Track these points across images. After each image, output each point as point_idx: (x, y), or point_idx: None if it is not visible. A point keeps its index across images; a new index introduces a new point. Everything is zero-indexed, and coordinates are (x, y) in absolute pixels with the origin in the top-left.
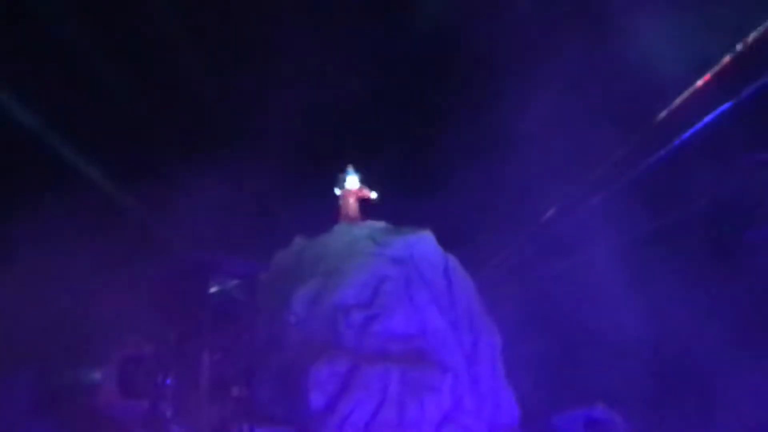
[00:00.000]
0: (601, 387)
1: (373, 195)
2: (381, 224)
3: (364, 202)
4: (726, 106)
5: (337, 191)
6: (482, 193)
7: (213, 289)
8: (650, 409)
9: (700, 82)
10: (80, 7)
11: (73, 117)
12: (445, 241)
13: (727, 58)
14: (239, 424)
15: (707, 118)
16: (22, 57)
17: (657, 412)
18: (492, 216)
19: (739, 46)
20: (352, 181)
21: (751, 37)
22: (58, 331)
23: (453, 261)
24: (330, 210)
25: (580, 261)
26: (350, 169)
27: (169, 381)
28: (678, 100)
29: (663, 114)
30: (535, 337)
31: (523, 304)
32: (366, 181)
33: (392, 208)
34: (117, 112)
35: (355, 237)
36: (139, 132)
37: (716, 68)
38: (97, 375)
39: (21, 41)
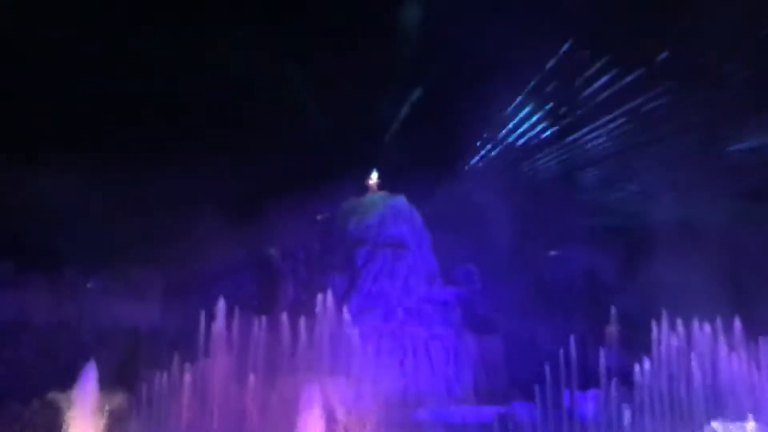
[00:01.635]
0: None
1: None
2: (384, 193)
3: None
4: None
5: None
6: None
7: (319, 217)
8: None
9: None
10: None
11: None
12: None
13: None
14: None
15: None
16: None
17: None
18: None
19: None
20: (374, 176)
21: None
22: None
23: (412, 207)
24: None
25: None
26: (374, 171)
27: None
28: None
29: None
30: None
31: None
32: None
33: None
34: None
35: (375, 198)
36: None
37: None
38: None
39: None
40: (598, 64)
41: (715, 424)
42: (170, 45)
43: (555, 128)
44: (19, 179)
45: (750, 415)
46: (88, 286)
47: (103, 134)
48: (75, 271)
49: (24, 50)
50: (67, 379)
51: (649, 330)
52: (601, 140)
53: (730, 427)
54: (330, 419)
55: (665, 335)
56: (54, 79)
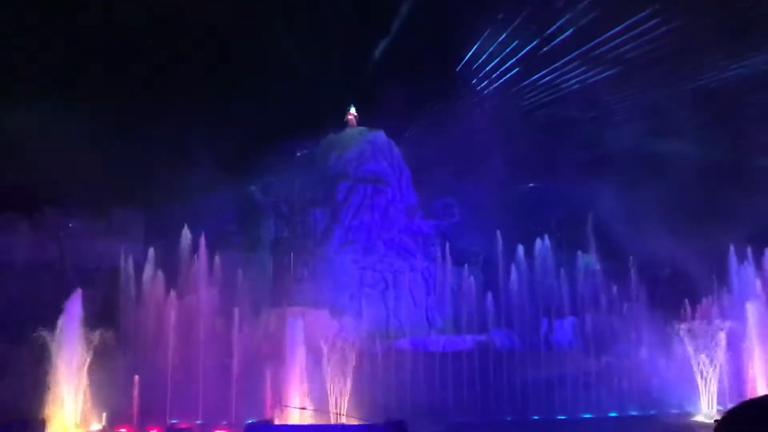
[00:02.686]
0: None
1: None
2: (364, 128)
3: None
4: None
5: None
6: None
7: (299, 153)
8: None
9: None
10: None
11: None
12: None
13: None
14: None
15: None
16: None
17: None
18: None
19: None
20: (353, 111)
21: None
22: None
23: (390, 142)
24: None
25: None
26: (352, 106)
27: None
28: None
29: None
30: None
31: None
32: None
33: None
34: None
35: (354, 133)
36: None
37: None
38: None
39: None
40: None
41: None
42: None
43: (529, 62)
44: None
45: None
46: (70, 225)
47: (89, 75)
48: (56, 211)
49: None
50: (52, 317)
51: (626, 259)
52: (575, 76)
53: (700, 325)
54: (314, 351)
55: (642, 263)
56: (43, 19)
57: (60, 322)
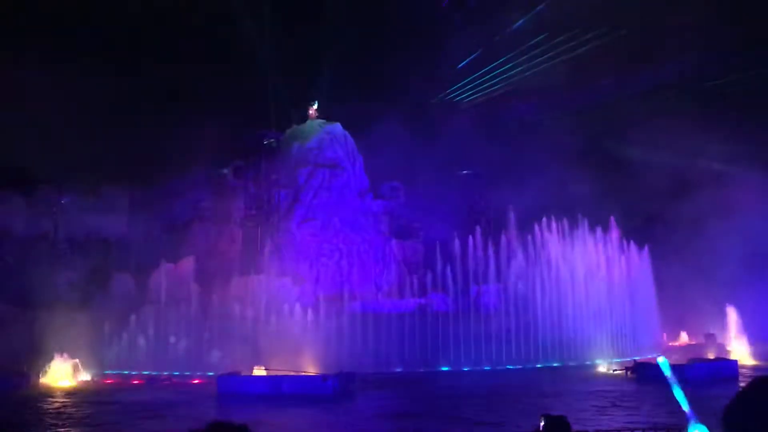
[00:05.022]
0: None
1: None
2: (323, 121)
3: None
4: None
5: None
6: None
7: (266, 142)
8: None
9: None
10: None
11: None
12: None
13: None
14: None
15: None
16: None
17: None
18: None
19: None
20: (314, 106)
21: None
22: None
23: (346, 133)
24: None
25: None
26: (315, 102)
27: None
28: None
29: None
30: None
31: None
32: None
33: None
34: None
35: (314, 125)
36: None
37: None
38: None
39: None
40: None
41: None
42: None
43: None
44: None
45: None
46: (63, 201)
47: (83, 63)
48: (51, 187)
49: None
50: (45, 282)
51: (541, 233)
52: (517, 70)
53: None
54: (278, 313)
55: (553, 236)
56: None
57: (51, 288)
